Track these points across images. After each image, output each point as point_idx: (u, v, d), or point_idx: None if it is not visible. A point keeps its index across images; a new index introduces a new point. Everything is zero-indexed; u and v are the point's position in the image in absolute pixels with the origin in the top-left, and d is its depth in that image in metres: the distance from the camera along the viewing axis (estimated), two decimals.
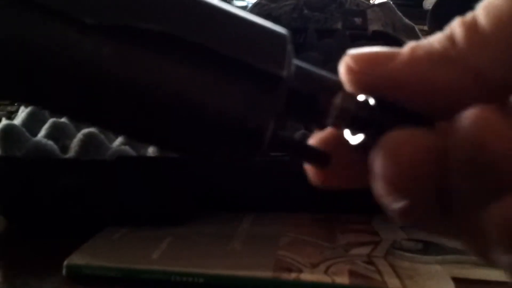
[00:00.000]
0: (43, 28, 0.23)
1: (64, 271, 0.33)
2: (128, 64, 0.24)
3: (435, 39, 0.22)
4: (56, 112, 0.27)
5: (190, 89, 0.25)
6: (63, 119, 0.51)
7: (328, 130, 0.25)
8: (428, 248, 0.39)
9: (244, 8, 0.91)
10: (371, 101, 0.27)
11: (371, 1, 1.07)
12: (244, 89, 0.25)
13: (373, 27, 0.93)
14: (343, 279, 0.32)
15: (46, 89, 0.25)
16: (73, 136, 0.45)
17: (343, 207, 0.42)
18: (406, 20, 1.04)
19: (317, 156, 0.30)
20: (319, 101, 0.28)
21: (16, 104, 0.69)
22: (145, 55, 0.24)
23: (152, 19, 0.24)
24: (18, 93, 0.26)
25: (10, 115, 0.56)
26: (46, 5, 0.23)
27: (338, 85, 0.28)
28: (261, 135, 0.26)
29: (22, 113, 0.52)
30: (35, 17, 0.23)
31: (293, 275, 0.32)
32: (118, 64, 0.24)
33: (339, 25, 0.91)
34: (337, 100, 0.28)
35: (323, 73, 0.28)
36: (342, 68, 0.24)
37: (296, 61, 0.27)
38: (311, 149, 0.30)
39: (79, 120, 0.30)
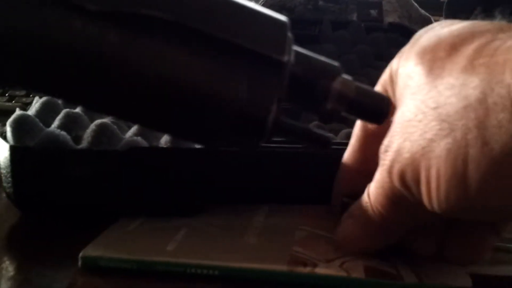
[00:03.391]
0: (47, 16, 0.23)
1: (79, 263, 0.33)
2: (133, 50, 0.24)
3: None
4: (62, 97, 0.27)
5: (194, 74, 0.25)
6: (77, 110, 0.51)
7: None
8: None
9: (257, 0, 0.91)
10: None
11: None
12: (247, 74, 0.25)
13: (389, 18, 0.92)
14: (359, 274, 0.32)
15: (52, 76, 0.25)
16: (86, 127, 0.46)
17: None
18: (423, 11, 1.03)
19: (318, 139, 0.30)
20: (318, 85, 0.28)
21: (31, 95, 0.69)
22: (150, 41, 0.24)
23: (157, 6, 0.24)
24: (24, 80, 0.26)
25: (25, 107, 0.56)
26: None
27: (337, 71, 0.28)
28: (264, 119, 0.26)
29: (36, 103, 0.52)
30: (38, 5, 0.23)
31: (307, 269, 0.32)
32: (123, 50, 0.24)
33: (354, 17, 0.91)
34: (336, 85, 0.28)
35: (322, 58, 0.28)
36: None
37: (296, 47, 0.27)
38: (312, 132, 0.30)
39: (86, 105, 0.30)
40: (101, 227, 0.37)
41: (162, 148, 0.45)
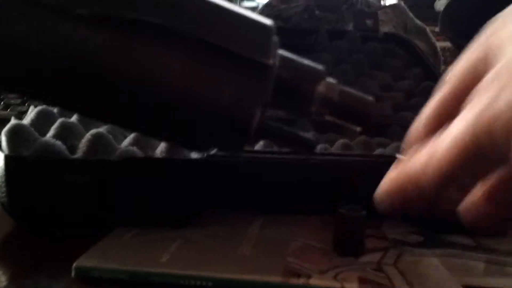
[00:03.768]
0: (37, 20, 0.23)
1: (73, 273, 0.33)
2: (120, 53, 0.24)
3: None
4: (51, 101, 0.27)
5: (179, 76, 0.25)
6: (72, 119, 0.51)
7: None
8: (428, 242, 0.40)
9: (254, 9, 0.91)
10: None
11: (382, 2, 1.06)
12: (231, 77, 0.25)
13: (385, 28, 0.92)
14: (353, 285, 0.32)
15: (40, 79, 0.25)
16: (82, 136, 0.46)
17: None
18: (418, 22, 1.03)
19: (304, 142, 0.31)
20: (303, 89, 0.28)
21: (26, 104, 0.69)
22: (137, 44, 0.24)
23: (144, 10, 0.24)
24: (13, 84, 0.26)
25: (21, 116, 0.56)
26: None
27: (322, 74, 0.29)
28: (248, 122, 0.26)
29: (31, 113, 0.52)
30: (27, 9, 0.23)
31: (302, 280, 0.32)
32: (110, 53, 0.24)
33: (350, 27, 0.91)
34: (320, 88, 0.28)
35: (307, 62, 0.29)
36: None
37: (281, 51, 0.28)
38: (298, 136, 0.31)
39: (73, 108, 0.30)
40: (96, 237, 0.37)
41: (157, 158, 0.45)
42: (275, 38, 0.26)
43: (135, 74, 0.25)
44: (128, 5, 0.24)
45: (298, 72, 0.28)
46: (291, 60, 0.28)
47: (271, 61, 0.26)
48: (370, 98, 0.30)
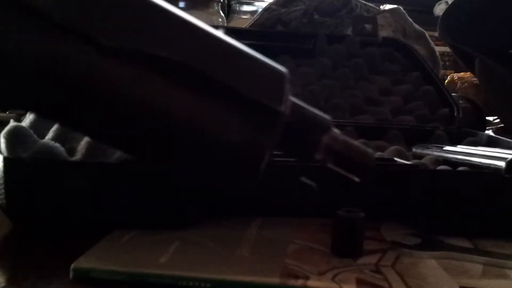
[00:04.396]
0: (63, 47, 0.24)
1: (71, 275, 0.33)
2: (142, 86, 0.25)
3: None
4: (68, 125, 0.28)
5: (195, 114, 0.26)
6: None
7: None
8: (426, 244, 0.39)
9: (254, 12, 0.91)
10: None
11: (381, 7, 1.07)
12: (244, 120, 0.27)
13: (384, 33, 0.93)
14: (351, 286, 0.32)
15: (63, 104, 0.25)
16: (80, 139, 0.46)
17: None
18: (417, 26, 1.04)
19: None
20: (310, 137, 0.30)
21: None
22: (156, 79, 0.25)
23: (169, 47, 0.25)
24: (33, 105, 0.27)
25: (20, 118, 0.56)
26: (66, 26, 0.24)
27: (329, 124, 0.30)
28: (257, 165, 0.27)
29: (30, 115, 0.52)
30: (56, 36, 0.24)
31: (300, 281, 0.32)
32: (132, 85, 0.25)
33: (349, 31, 0.91)
34: (327, 138, 0.30)
35: (316, 111, 0.30)
36: None
37: (292, 98, 0.29)
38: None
39: (93, 135, 0.31)
40: (94, 239, 0.37)
41: None
42: (288, 85, 0.28)
43: (150, 107, 0.25)
44: (153, 41, 0.25)
45: (307, 120, 0.29)
46: (301, 108, 0.29)
47: (282, 108, 0.27)
48: (371, 151, 0.32)
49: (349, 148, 0.30)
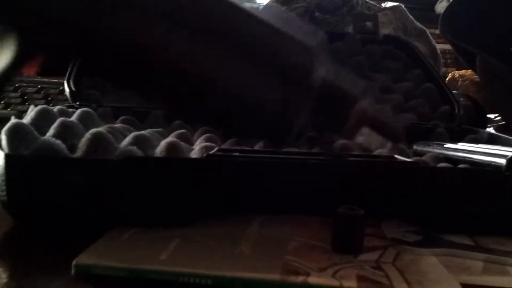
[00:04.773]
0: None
1: (72, 271, 0.33)
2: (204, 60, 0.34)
3: None
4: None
5: (244, 84, 0.34)
6: (72, 119, 0.51)
7: None
8: (426, 241, 0.40)
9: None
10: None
11: (382, 4, 1.07)
12: (282, 88, 0.33)
13: (384, 30, 0.93)
14: (351, 283, 0.32)
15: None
16: (81, 136, 0.46)
17: None
18: (418, 24, 1.03)
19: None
20: (340, 106, 0.32)
21: (26, 103, 0.69)
22: (217, 54, 0.33)
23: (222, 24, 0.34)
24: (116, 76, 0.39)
25: (21, 115, 0.57)
26: None
27: (356, 96, 0.33)
28: (291, 122, 0.34)
29: (31, 112, 0.52)
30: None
31: (300, 278, 0.32)
32: (201, 58, 0.34)
33: (350, 29, 0.91)
34: (357, 107, 0.32)
35: (349, 78, 0.34)
36: None
37: (326, 65, 0.33)
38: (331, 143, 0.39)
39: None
40: (95, 236, 0.37)
41: (157, 157, 0.45)
42: (319, 58, 0.34)
43: (216, 80, 0.34)
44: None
45: (337, 90, 0.35)
46: (335, 73, 0.35)
47: (311, 80, 0.33)
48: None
49: (379, 112, 0.35)
